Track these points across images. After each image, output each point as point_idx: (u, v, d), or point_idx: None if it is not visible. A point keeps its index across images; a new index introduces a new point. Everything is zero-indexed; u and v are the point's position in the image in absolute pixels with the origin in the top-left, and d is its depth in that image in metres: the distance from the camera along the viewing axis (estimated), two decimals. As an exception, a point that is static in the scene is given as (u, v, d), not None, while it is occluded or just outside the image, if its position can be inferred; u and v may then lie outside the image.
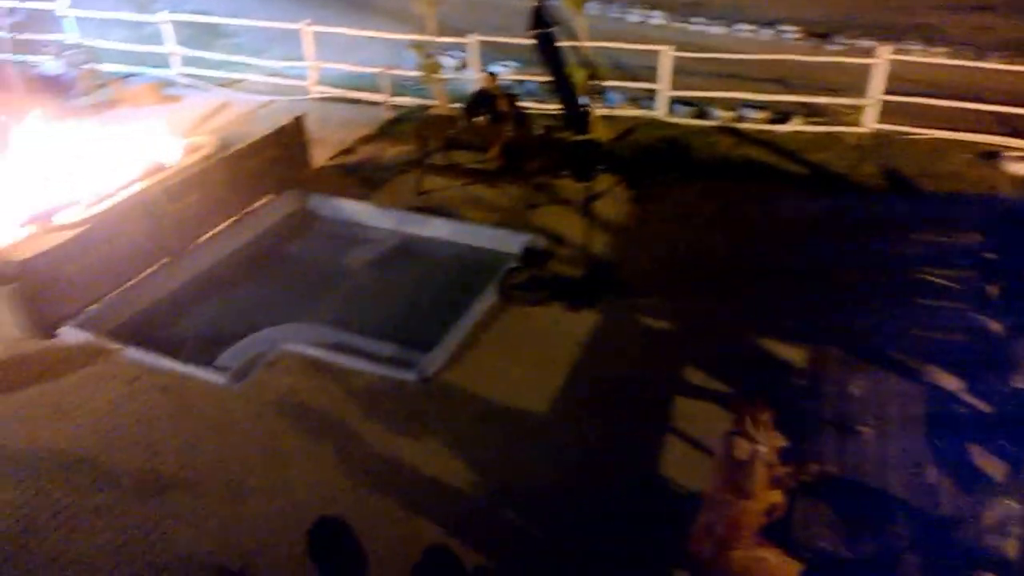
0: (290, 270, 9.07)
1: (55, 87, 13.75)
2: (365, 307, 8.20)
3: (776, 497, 4.42)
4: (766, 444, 4.29)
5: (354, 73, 13.34)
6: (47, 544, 5.22)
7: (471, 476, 5.68)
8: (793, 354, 6.81)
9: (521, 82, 12.88)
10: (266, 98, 13.44)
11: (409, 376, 6.72)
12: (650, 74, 12.15)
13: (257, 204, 9.93)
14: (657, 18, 17.53)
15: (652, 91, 12.15)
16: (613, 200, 9.61)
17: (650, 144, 11.37)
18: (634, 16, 17.74)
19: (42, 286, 7.41)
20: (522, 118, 10.02)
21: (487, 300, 7.74)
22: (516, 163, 9.65)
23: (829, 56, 13.81)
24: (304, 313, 7.97)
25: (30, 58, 14.53)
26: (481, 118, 9.97)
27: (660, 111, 12.17)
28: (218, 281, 8.72)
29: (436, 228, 9.37)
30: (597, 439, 6.03)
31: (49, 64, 14.10)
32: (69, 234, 8.00)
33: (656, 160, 10.85)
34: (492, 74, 10.25)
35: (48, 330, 7.46)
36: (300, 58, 13.75)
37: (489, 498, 5.50)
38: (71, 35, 14.89)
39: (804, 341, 6.92)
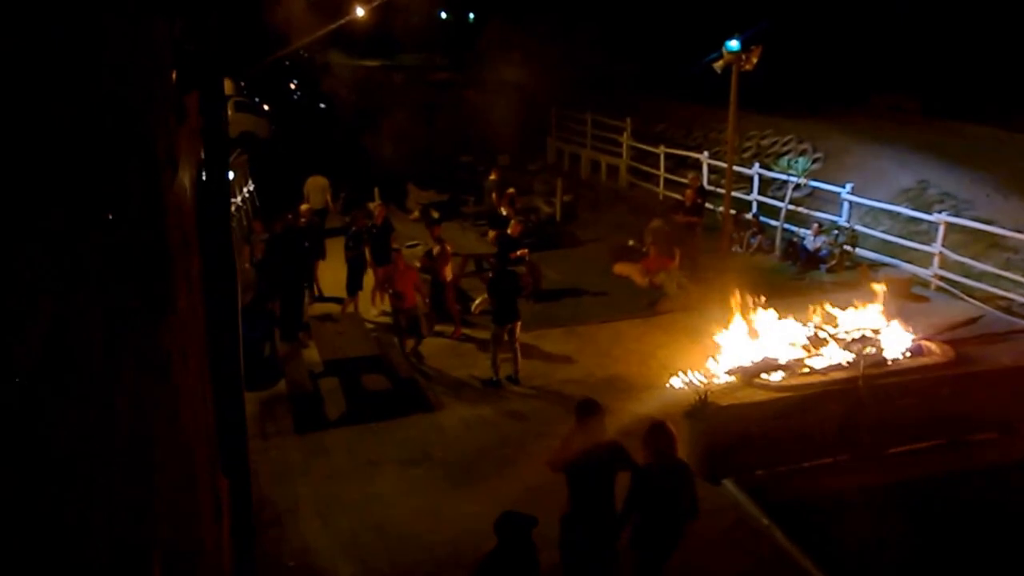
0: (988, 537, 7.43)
1: (809, 258, 14.70)
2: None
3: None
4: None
5: None
6: None
7: None
8: None
9: None
10: (1029, 325, 11.75)
11: None
12: None
13: (975, 437, 8.56)
14: None
15: None
16: None
17: None
18: None
19: (725, 435, 7.61)
20: None
21: None
22: None
23: None
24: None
25: (798, 228, 15.85)
26: None
27: None
28: (893, 503, 7.67)
29: None
30: None
31: (810, 237, 15.12)
32: (766, 396, 8.09)
33: None
34: None
35: (713, 477, 7.60)
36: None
37: None
38: (840, 218, 15.72)
39: None
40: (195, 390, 2.76)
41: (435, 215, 19.43)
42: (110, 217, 1.51)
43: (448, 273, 12.37)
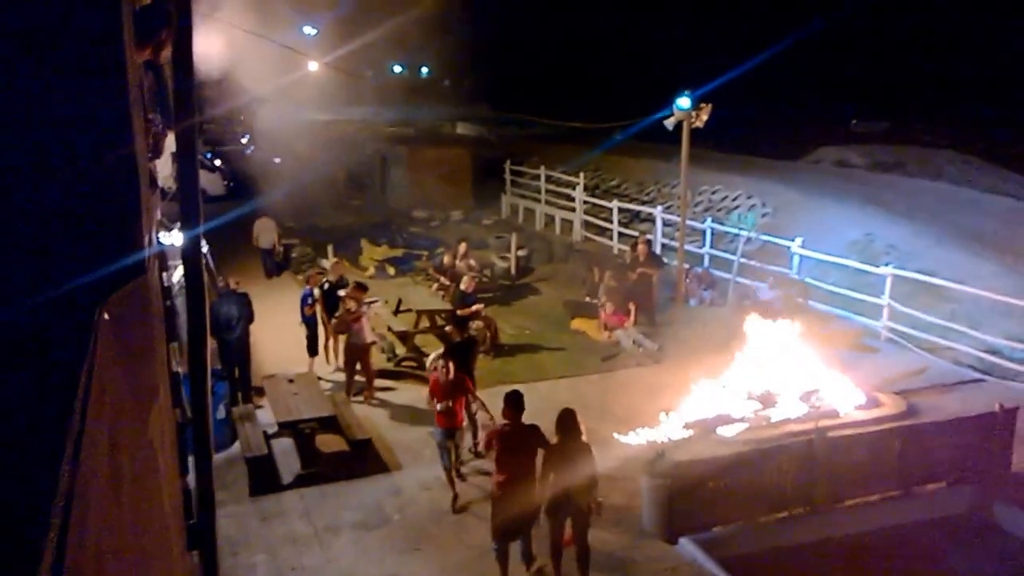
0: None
1: (763, 310, 15.04)
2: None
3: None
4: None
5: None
6: None
7: None
8: None
9: None
10: (975, 375, 12.22)
11: None
12: None
13: (926, 488, 8.85)
14: None
15: None
16: None
17: None
18: None
19: (683, 492, 7.76)
20: None
21: None
22: None
23: None
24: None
25: (749, 281, 16.31)
26: None
27: None
28: (849, 556, 7.89)
29: None
30: None
31: (763, 290, 15.56)
32: (724, 451, 8.29)
33: None
34: None
35: (670, 534, 7.73)
36: (1029, 341, 12.21)
37: None
38: (791, 270, 16.23)
39: None
40: (170, 469, 2.83)
41: (391, 271, 19.55)
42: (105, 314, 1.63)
43: (365, 333, 11.99)
